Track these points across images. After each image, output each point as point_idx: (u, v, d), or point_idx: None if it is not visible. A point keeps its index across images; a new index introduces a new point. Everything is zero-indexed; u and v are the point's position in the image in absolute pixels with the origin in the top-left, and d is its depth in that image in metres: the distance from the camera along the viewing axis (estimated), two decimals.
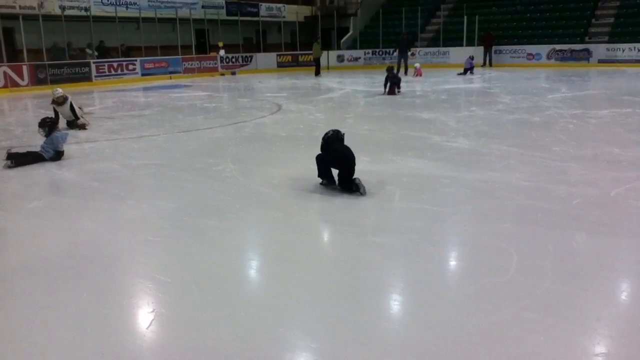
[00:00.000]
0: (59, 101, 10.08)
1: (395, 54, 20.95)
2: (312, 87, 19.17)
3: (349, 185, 5.67)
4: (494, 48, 25.00)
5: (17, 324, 3.22)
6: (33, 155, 7.55)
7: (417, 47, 27.49)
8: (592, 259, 3.97)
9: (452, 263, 4.15)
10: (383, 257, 4.13)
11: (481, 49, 24.88)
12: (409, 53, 23.43)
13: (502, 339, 2.94)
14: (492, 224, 4.74)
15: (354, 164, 5.77)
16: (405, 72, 21.59)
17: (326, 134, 5.99)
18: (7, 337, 3.08)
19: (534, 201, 5.31)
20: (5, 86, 18.44)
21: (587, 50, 23.77)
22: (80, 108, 10.72)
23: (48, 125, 7.76)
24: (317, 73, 23.93)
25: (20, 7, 20.01)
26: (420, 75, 21.01)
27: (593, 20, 25.70)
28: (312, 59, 25.00)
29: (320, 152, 5.97)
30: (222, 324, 3.17)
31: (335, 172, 5.84)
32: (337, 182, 5.82)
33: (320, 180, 5.97)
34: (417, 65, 21.78)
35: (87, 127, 10.33)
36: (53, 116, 9.48)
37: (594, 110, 11.39)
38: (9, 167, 7.24)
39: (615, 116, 10.48)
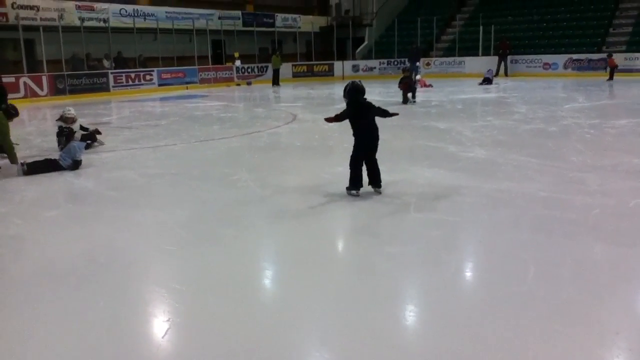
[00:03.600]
0: (69, 122, 9.04)
1: (408, 65, 20.93)
2: (327, 97, 19.21)
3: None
4: (509, 58, 24.85)
5: (34, 330, 3.26)
6: (51, 164, 7.64)
7: (432, 56, 27.46)
8: (611, 270, 3.92)
9: (469, 273, 4.11)
10: (398, 265, 4.11)
11: (497, 58, 24.76)
12: (418, 64, 23.37)
13: (518, 349, 2.90)
14: (509, 233, 4.70)
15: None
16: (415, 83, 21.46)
17: (345, 89, 6.10)
18: (26, 342, 3.12)
19: (551, 211, 5.25)
20: (25, 96, 18.71)
21: (604, 59, 23.52)
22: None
23: (66, 135, 7.87)
24: (275, 83, 24.90)
25: (41, 19, 20.38)
26: (425, 85, 20.46)
27: (610, 30, 25.47)
28: (326, 69, 25.48)
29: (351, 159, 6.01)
30: (237, 332, 3.17)
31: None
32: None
33: (350, 191, 5.87)
34: (418, 77, 21.08)
35: (100, 132, 9.54)
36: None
37: (612, 120, 11.27)
38: (24, 172, 7.33)
39: (634, 126, 10.35)
